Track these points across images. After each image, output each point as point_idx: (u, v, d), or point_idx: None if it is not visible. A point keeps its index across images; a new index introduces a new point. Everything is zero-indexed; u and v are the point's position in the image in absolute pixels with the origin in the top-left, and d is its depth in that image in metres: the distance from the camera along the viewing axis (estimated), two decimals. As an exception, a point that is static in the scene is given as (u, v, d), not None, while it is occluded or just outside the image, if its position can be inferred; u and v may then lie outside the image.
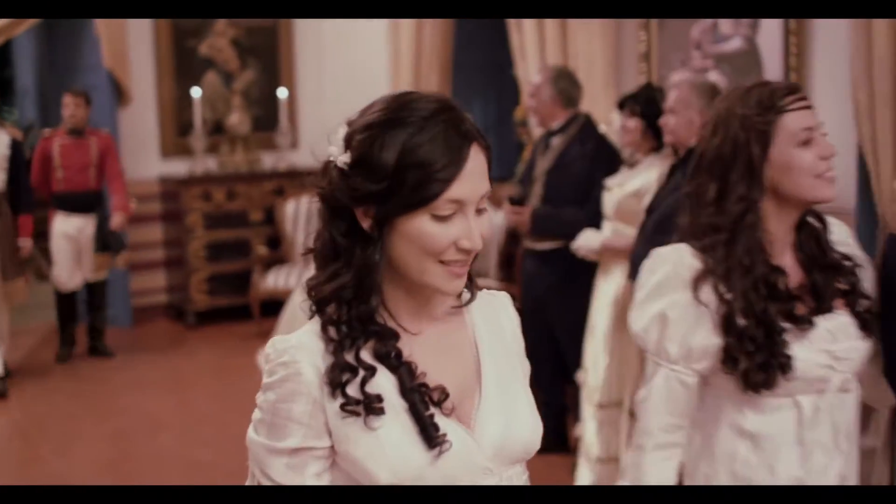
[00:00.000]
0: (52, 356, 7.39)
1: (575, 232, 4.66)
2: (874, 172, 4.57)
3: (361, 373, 1.59)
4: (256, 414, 1.65)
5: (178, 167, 8.33)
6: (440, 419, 1.61)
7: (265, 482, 1.63)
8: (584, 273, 4.71)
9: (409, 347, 1.64)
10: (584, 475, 4.65)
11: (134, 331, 8.16)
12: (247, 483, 1.69)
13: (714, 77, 5.43)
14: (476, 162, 1.59)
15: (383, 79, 7.81)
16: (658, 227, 4.05)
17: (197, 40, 8.52)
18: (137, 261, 8.14)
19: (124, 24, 7.83)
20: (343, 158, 1.60)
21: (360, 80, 8.38)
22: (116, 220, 7.19)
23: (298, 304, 6.51)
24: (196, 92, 8.17)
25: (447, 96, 1.65)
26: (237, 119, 8.47)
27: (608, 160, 4.86)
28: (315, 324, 1.65)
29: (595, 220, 4.67)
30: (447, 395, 1.62)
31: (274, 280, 7.99)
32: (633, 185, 4.49)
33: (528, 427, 1.70)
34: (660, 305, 2.42)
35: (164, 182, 8.34)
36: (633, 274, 4.26)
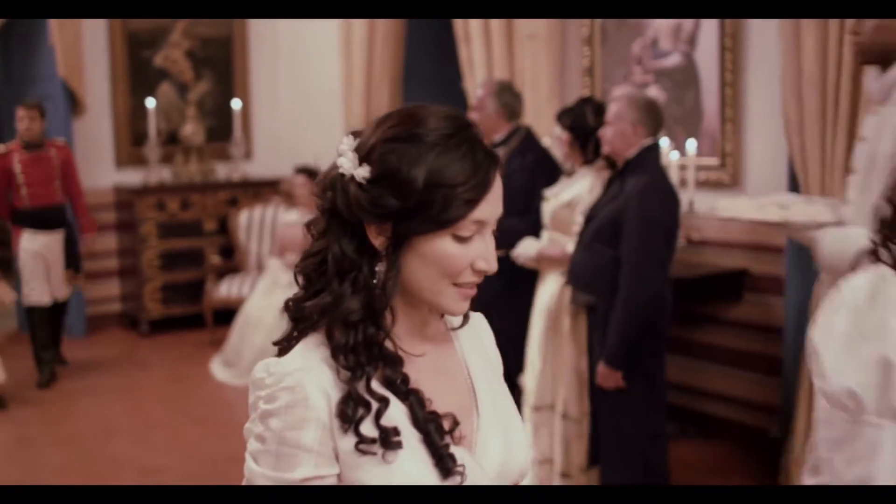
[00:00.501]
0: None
1: (516, 241, 4.81)
2: (803, 184, 4.77)
3: (375, 405, 1.52)
4: (255, 445, 1.54)
5: (133, 177, 8.40)
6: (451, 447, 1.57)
7: None
8: (525, 281, 4.86)
9: (411, 370, 1.58)
10: (523, 477, 4.79)
11: (88, 340, 8.20)
12: None
13: (653, 91, 5.62)
14: (497, 183, 1.58)
15: (336, 90, 7.94)
16: (596, 236, 4.22)
17: (152, 51, 8.59)
18: (91, 270, 8.18)
19: (80, 34, 7.90)
20: (362, 172, 1.52)
21: (314, 91, 8.52)
22: (87, 243, 7.21)
23: (275, 321, 6.62)
24: (151, 102, 8.25)
25: (460, 112, 1.62)
26: (191, 129, 8.55)
27: (548, 172, 5.01)
28: (312, 344, 1.58)
29: (536, 230, 4.82)
30: (458, 423, 1.58)
31: (227, 289, 8.08)
32: (566, 196, 4.65)
33: (524, 449, 1.69)
34: (877, 349, 1.96)
35: (118, 192, 8.40)
36: (570, 281, 4.42)
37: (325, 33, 8.03)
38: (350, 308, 1.53)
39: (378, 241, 1.54)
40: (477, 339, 1.75)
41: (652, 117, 4.29)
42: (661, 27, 5.71)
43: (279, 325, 7.01)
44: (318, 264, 1.58)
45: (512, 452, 1.64)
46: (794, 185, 4.85)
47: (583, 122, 4.56)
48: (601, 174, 4.54)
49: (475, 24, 6.42)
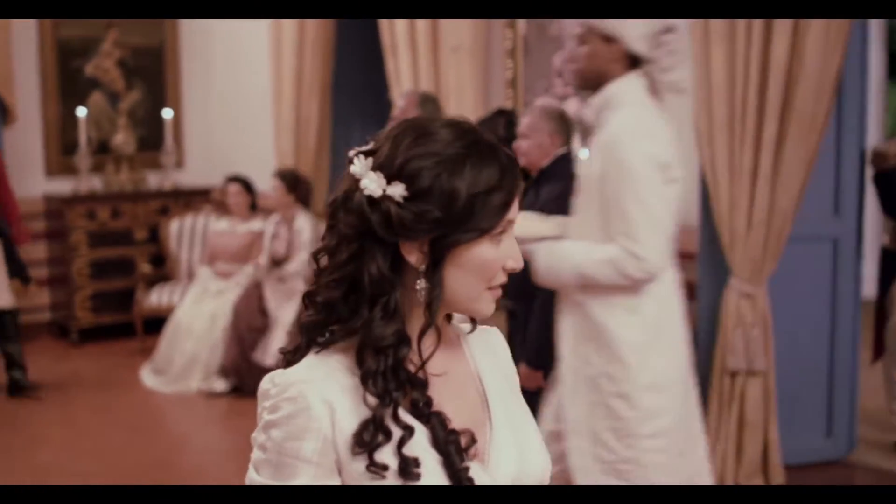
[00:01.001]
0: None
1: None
2: (713, 192, 4.95)
3: (398, 434, 1.52)
4: (258, 454, 1.55)
5: (63, 186, 8.41)
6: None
7: None
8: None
9: (430, 388, 1.58)
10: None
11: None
12: None
13: (573, 103, 5.78)
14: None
15: (267, 100, 8.02)
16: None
17: (83, 60, 8.62)
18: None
19: (9, 42, 7.90)
20: (397, 190, 1.51)
21: (245, 101, 8.60)
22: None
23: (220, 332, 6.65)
24: (81, 111, 8.27)
25: (465, 118, 1.64)
26: (122, 139, 8.58)
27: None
28: (321, 357, 1.58)
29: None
30: (475, 441, 1.58)
31: (157, 298, 8.11)
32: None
33: (541, 459, 1.68)
34: None
35: (48, 200, 8.40)
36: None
37: (255, 44, 8.12)
38: (383, 334, 1.52)
39: (414, 258, 1.54)
40: (491, 351, 1.76)
41: (565, 127, 4.45)
42: (580, 40, 5.86)
43: (210, 333, 7.11)
44: (344, 290, 1.55)
45: (527, 464, 1.65)
46: (704, 192, 5.03)
47: (495, 133, 4.70)
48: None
49: (402, 35, 6.55)
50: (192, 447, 6.14)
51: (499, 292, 1.61)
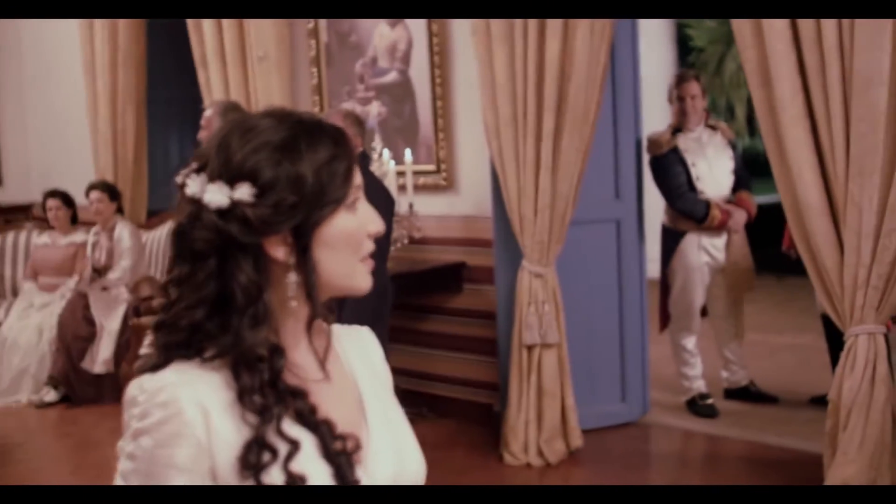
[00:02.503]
0: None
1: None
2: (503, 182, 5.38)
3: (284, 451, 1.46)
4: (126, 464, 1.46)
5: None
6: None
7: None
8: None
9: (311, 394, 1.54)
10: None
11: None
12: None
13: (375, 106, 6.17)
14: None
15: (83, 115, 8.14)
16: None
17: None
18: None
19: None
20: (245, 191, 1.47)
21: (61, 117, 8.69)
22: None
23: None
24: None
25: (275, 105, 1.63)
26: (-62, 159, 8.58)
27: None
28: (191, 365, 1.49)
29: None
30: (360, 447, 1.55)
31: (-18, 315, 8.13)
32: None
33: (417, 463, 1.65)
34: None
35: None
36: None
37: (69, 60, 8.23)
38: (255, 341, 1.47)
39: (282, 252, 1.49)
40: (363, 350, 1.74)
41: (362, 129, 4.81)
42: (379, 46, 6.25)
43: (37, 345, 7.22)
44: (207, 311, 1.48)
45: (404, 465, 1.62)
46: (496, 184, 5.46)
47: None
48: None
49: (211, 46, 6.80)
50: (25, 454, 6.27)
51: (371, 262, 1.60)
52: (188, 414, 1.43)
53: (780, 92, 4.40)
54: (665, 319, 6.31)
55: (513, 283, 5.46)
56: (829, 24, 4.23)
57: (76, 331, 7.13)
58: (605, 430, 5.83)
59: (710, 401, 6.10)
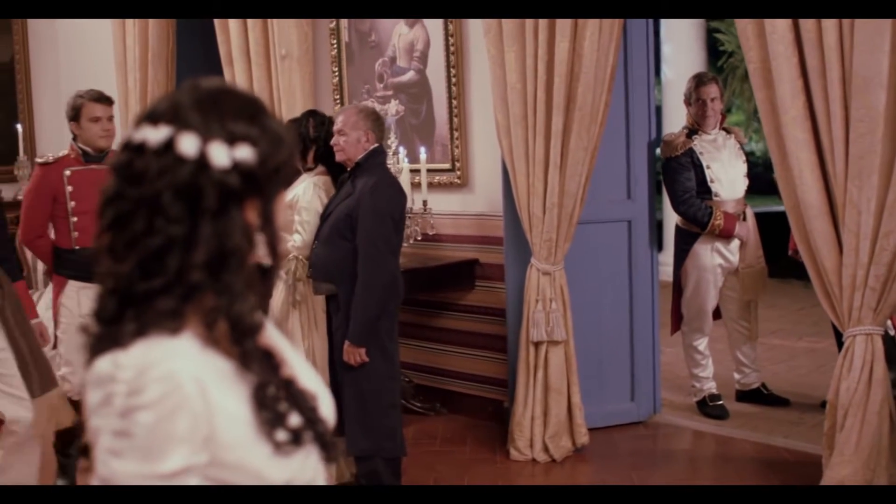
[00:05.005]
0: None
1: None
2: (513, 180, 5.44)
3: (283, 410, 1.53)
4: (116, 442, 1.43)
5: (-84, 201, 8.56)
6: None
7: None
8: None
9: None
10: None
11: None
12: None
13: (393, 105, 6.26)
14: None
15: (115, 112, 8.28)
16: (333, 231, 4.77)
17: (-67, 78, 8.82)
18: None
19: None
20: (244, 152, 1.50)
21: (94, 113, 8.85)
22: None
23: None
24: (-69, 128, 8.46)
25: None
26: (-26, 153, 8.77)
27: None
28: (165, 336, 1.48)
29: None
30: (317, 398, 1.61)
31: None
32: (286, 197, 5.19)
33: (328, 407, 1.67)
34: None
35: None
36: (312, 274, 4.93)
37: (101, 58, 8.40)
38: (249, 306, 1.52)
39: (253, 215, 1.53)
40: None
41: (378, 125, 4.88)
42: (398, 46, 6.34)
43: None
44: (203, 272, 1.49)
45: (329, 411, 1.65)
46: (507, 182, 5.52)
47: (304, 132, 5.11)
48: (319, 178, 5.09)
49: (237, 46, 6.92)
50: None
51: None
52: (188, 387, 1.44)
53: (782, 93, 4.44)
54: (677, 322, 6.34)
55: (522, 280, 5.52)
56: (829, 26, 4.26)
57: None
58: (614, 428, 5.88)
59: (720, 402, 6.12)
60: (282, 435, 1.50)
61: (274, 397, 1.50)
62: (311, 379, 1.66)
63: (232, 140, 1.50)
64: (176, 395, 1.43)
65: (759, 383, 6.34)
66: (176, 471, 1.43)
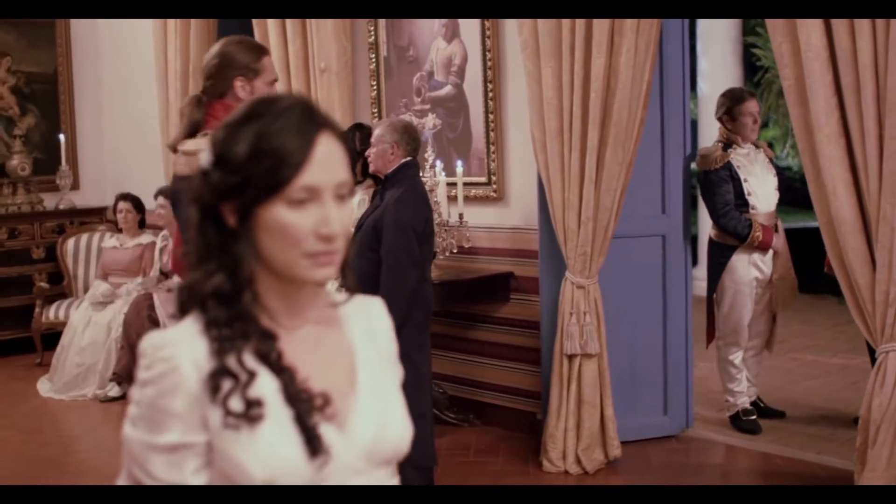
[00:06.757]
0: None
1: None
2: (549, 194, 5.49)
3: (243, 378, 1.58)
4: (133, 410, 1.61)
5: (-40, 209, 8.73)
6: (321, 425, 1.62)
7: (146, 479, 1.60)
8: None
9: (288, 347, 1.64)
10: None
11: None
12: (119, 481, 1.66)
13: (430, 119, 6.33)
14: (328, 148, 1.60)
15: (155, 122, 8.43)
16: (362, 242, 4.84)
17: (-23, 88, 9.00)
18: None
19: None
20: (205, 159, 1.62)
21: (135, 124, 9.00)
22: None
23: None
24: (-24, 137, 8.62)
25: (301, 94, 1.74)
26: (18, 162, 8.91)
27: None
28: (195, 320, 1.63)
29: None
30: (329, 402, 1.62)
31: (55, 313, 8.45)
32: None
33: (400, 430, 1.72)
34: None
35: (-54, 223, 8.72)
36: (343, 284, 5.01)
37: (143, 69, 8.54)
38: (217, 282, 1.61)
39: (232, 220, 1.61)
40: (368, 321, 1.78)
41: (408, 138, 4.95)
42: (435, 60, 6.42)
43: (104, 342, 7.52)
44: (195, 251, 1.65)
45: (385, 433, 1.68)
46: (543, 196, 5.58)
47: (350, 145, 5.19)
48: (369, 191, 5.19)
49: (276, 59, 7.01)
50: (84, 446, 6.52)
51: (325, 258, 1.61)
52: (184, 369, 1.57)
53: (816, 110, 4.47)
54: (712, 335, 6.36)
55: (556, 293, 5.56)
56: (864, 45, 4.29)
57: (140, 330, 7.38)
58: (647, 441, 5.91)
59: (753, 417, 6.14)
60: (236, 403, 1.57)
61: (236, 365, 1.58)
62: (368, 397, 1.69)
63: (211, 146, 1.64)
64: (172, 376, 1.57)
65: (756, 396, 6.38)
66: (172, 444, 1.57)
